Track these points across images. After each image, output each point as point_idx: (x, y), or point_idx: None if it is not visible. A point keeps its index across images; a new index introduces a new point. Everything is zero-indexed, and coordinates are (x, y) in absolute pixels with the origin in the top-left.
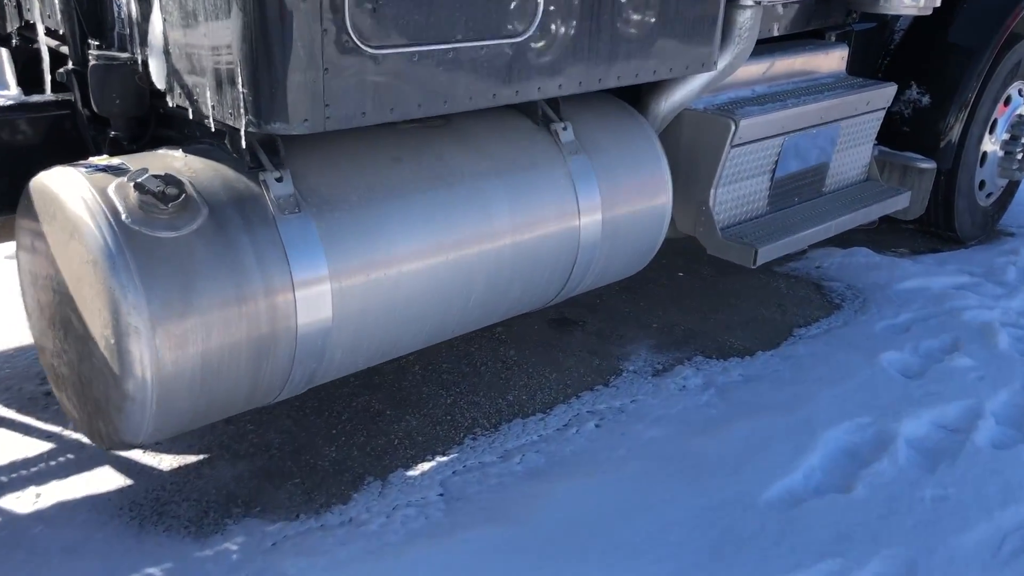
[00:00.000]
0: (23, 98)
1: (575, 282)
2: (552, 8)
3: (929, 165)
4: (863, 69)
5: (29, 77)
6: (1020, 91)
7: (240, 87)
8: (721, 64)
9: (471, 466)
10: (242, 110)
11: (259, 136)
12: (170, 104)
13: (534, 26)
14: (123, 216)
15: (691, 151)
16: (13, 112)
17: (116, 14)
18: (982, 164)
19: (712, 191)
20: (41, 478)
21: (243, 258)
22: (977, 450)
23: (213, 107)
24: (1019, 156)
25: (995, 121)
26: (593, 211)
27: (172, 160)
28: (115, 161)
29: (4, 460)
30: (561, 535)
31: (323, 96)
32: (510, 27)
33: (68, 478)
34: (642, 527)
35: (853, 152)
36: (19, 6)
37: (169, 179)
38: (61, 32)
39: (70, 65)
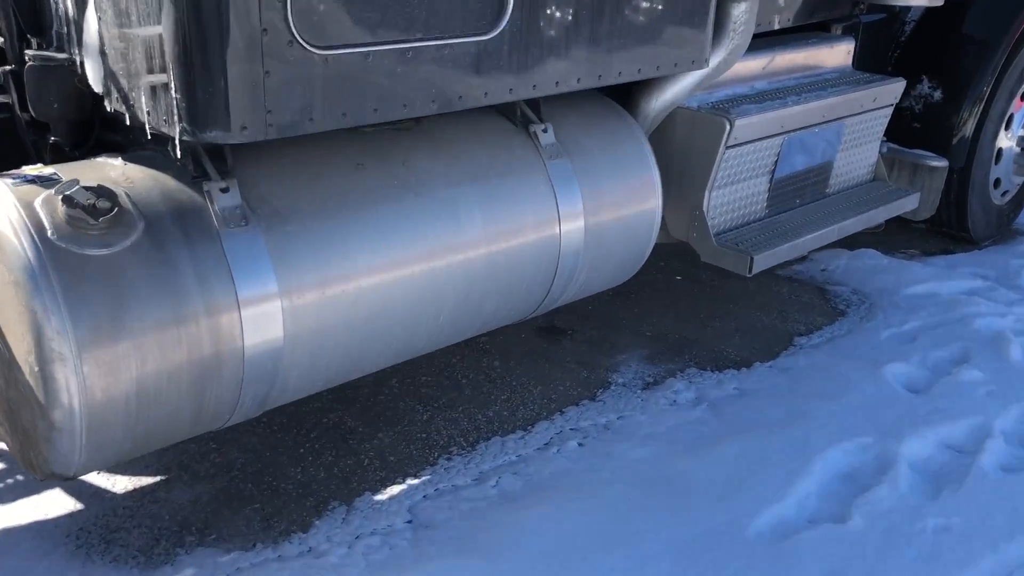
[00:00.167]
0: None
1: (557, 293)
2: (524, 3)
3: (940, 163)
4: (871, 63)
5: None
6: None
7: (173, 92)
8: (714, 61)
9: (443, 490)
10: (176, 117)
11: (200, 144)
12: (108, 109)
13: (503, 22)
14: (49, 232)
15: (684, 152)
16: None
17: (54, 11)
18: (997, 161)
19: (706, 194)
20: None
21: (182, 276)
22: (984, 474)
23: (148, 113)
24: None
25: (1011, 116)
26: (575, 218)
27: (109, 169)
28: (47, 171)
29: None
30: (532, 570)
31: (264, 101)
32: (477, 24)
33: (15, 502)
34: (620, 561)
35: (858, 151)
36: None
37: (102, 191)
38: None
39: (7, 66)
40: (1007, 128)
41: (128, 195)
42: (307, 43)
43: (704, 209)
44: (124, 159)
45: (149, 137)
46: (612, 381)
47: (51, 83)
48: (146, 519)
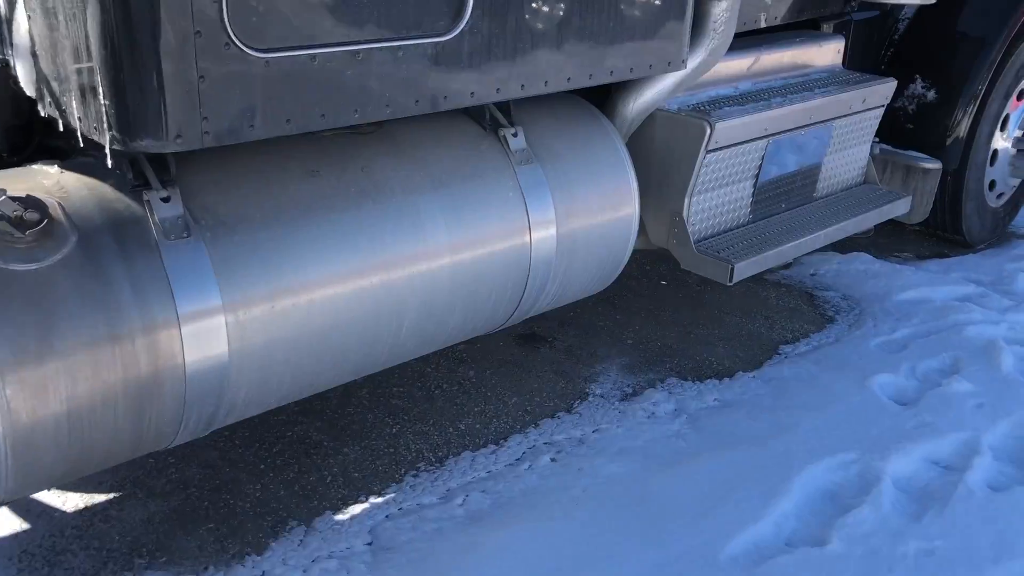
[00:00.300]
0: None
1: (529, 304)
2: (484, 1)
3: (934, 165)
4: (863, 62)
5: None
6: None
7: (101, 98)
8: (693, 62)
9: (408, 509)
10: (105, 124)
11: (131, 153)
12: (42, 113)
13: (463, 22)
14: None
15: (664, 156)
16: None
17: None
18: (992, 163)
19: (686, 200)
20: None
21: (117, 292)
22: (970, 493)
23: (80, 119)
24: None
25: (1007, 117)
26: (546, 226)
27: (43, 178)
28: None
29: None
30: None
31: (199, 108)
32: (434, 24)
33: None
34: None
35: (848, 154)
36: None
37: (30, 202)
38: None
39: None
40: (1003, 129)
41: (61, 206)
42: (246, 45)
43: (684, 215)
44: (61, 167)
45: (82, 144)
46: (590, 392)
47: None
48: (95, 540)
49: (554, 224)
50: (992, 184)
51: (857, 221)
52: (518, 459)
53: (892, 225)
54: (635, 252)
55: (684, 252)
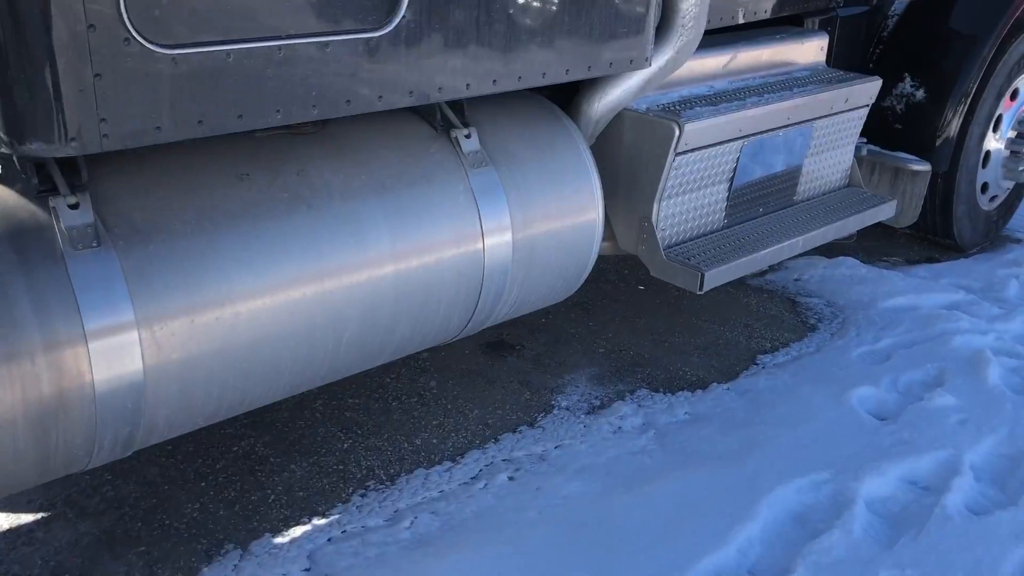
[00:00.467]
0: None
1: (485, 313)
2: None
3: (923, 167)
4: (850, 60)
5: None
6: None
7: None
8: (659, 60)
9: (351, 531)
10: None
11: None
12: None
13: (398, 16)
14: None
15: (632, 158)
16: None
17: None
18: (984, 165)
19: (655, 204)
20: None
21: (14, 306)
22: (947, 517)
23: None
24: None
25: (999, 117)
26: (501, 231)
27: None
28: None
29: None
30: None
31: (96, 109)
32: (365, 17)
33: None
34: None
35: (830, 156)
36: None
37: None
38: None
39: None
40: (995, 130)
41: None
42: (148, 41)
43: (653, 220)
44: None
45: None
46: (555, 404)
47: None
48: (15, 565)
49: (510, 230)
50: (985, 187)
51: (838, 226)
52: (474, 477)
53: (882, 228)
54: (611, 256)
55: (653, 259)
